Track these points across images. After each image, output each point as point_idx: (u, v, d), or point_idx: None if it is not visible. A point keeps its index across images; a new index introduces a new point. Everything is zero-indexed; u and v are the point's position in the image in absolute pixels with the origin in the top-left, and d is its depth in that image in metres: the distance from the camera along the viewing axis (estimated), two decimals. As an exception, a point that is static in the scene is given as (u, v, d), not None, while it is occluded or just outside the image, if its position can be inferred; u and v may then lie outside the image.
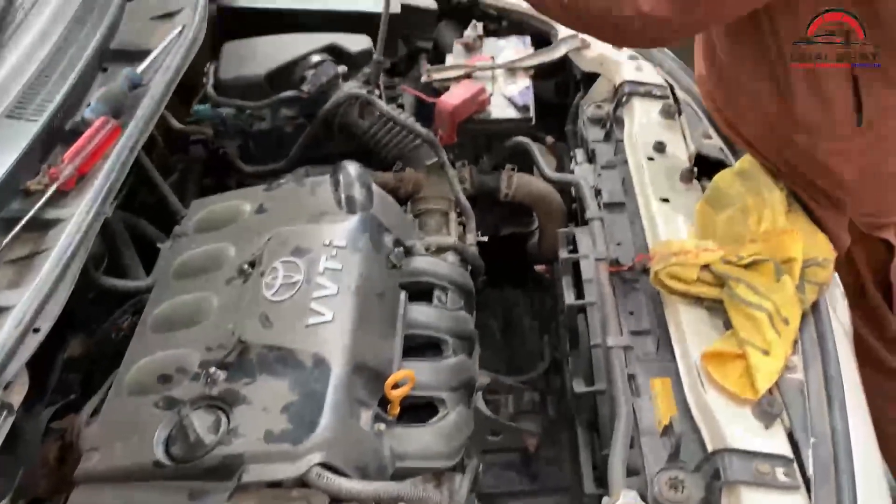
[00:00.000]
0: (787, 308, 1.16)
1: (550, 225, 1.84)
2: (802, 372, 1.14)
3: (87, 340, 1.48)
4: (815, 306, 1.22)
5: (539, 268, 2.16)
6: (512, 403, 1.72)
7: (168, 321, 1.27)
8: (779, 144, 1.36)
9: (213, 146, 1.77)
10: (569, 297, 1.47)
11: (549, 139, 2.20)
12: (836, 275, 1.33)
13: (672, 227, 1.41)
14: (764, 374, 1.09)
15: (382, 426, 1.13)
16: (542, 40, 2.07)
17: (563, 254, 1.57)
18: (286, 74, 1.73)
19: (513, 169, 1.83)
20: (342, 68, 1.72)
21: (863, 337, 1.50)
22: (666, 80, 1.78)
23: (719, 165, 1.54)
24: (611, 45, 1.88)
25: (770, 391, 1.11)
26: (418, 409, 1.22)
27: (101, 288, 1.44)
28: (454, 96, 1.73)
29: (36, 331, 0.97)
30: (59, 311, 1.02)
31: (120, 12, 1.62)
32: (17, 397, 0.96)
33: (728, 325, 1.21)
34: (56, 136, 1.26)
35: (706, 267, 1.24)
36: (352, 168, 1.44)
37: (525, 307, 2.18)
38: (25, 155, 1.17)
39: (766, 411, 1.07)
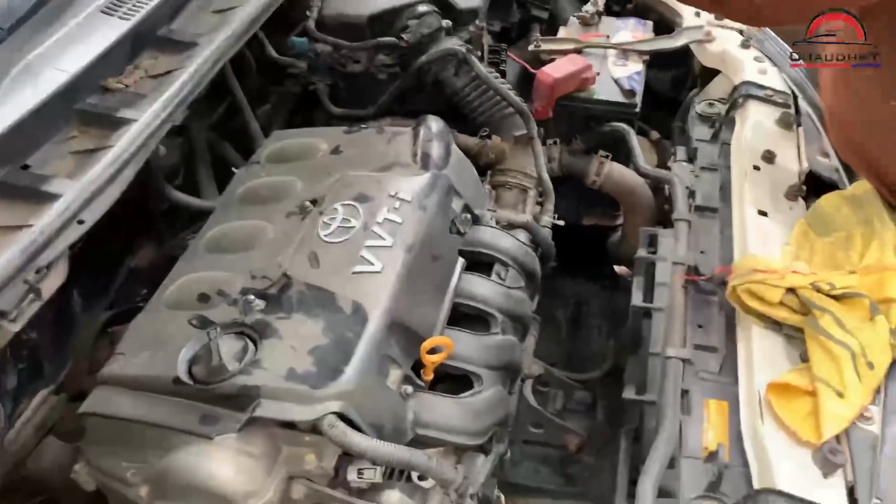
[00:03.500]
0: (876, 351, 1.04)
1: (635, 221, 1.73)
2: (879, 426, 1.01)
3: (156, 252, 1.50)
4: (911, 357, 1.09)
5: (619, 269, 2.05)
6: (561, 399, 1.65)
7: (221, 243, 1.25)
8: None
9: (304, 82, 1.75)
10: (637, 298, 1.37)
11: (655, 134, 2.09)
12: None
13: (765, 243, 1.30)
14: (833, 417, 0.98)
15: (410, 389, 1.07)
16: (665, 28, 1.95)
17: (641, 252, 1.46)
18: (389, 20, 1.69)
19: (606, 156, 1.73)
20: (446, 22, 1.66)
21: None
22: (791, 89, 1.64)
23: (831, 187, 1.40)
24: (737, 43, 1.76)
25: (837, 439, 1.00)
26: (455, 381, 1.17)
27: (170, 201, 1.45)
28: (557, 69, 1.65)
29: (80, 222, 0.97)
30: (107, 208, 1.01)
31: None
32: (49, 284, 0.95)
33: (805, 357, 1.09)
34: (145, 39, 1.26)
35: (792, 290, 1.13)
36: (434, 124, 1.38)
37: (597, 305, 2.08)
38: (110, 52, 1.17)
39: (828, 459, 0.96)
